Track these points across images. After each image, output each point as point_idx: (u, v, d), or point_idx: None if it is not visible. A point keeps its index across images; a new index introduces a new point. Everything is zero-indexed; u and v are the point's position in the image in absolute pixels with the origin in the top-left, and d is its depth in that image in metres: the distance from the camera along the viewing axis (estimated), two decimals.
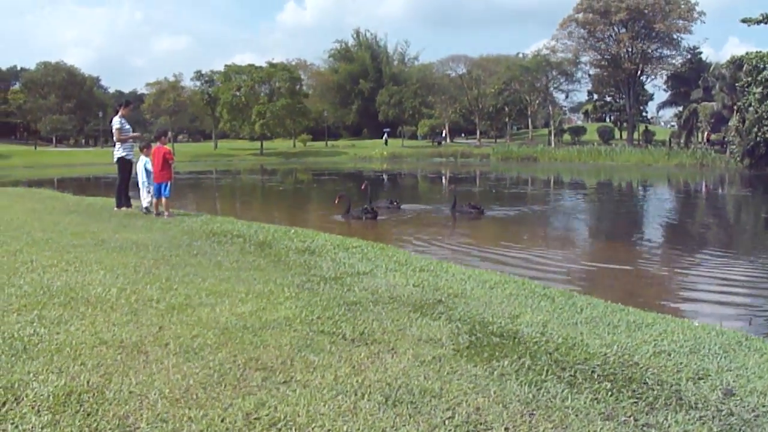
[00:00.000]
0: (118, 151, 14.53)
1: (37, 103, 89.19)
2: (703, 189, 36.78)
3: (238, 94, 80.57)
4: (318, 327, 5.14)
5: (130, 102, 15.85)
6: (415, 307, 5.97)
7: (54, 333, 4.66)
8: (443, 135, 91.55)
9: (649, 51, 78.87)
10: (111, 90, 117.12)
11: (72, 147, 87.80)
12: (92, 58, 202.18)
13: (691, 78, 76.22)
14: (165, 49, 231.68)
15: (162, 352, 4.37)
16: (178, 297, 5.92)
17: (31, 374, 3.85)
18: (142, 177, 14.21)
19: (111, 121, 14.87)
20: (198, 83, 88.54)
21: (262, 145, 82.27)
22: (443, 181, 44.82)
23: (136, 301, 5.72)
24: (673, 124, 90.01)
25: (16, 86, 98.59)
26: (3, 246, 8.29)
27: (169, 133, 12.68)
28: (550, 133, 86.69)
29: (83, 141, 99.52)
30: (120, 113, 14.58)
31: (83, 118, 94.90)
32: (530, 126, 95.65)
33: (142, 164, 14.15)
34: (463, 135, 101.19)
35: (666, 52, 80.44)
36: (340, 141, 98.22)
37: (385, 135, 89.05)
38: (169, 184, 13.49)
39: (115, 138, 14.53)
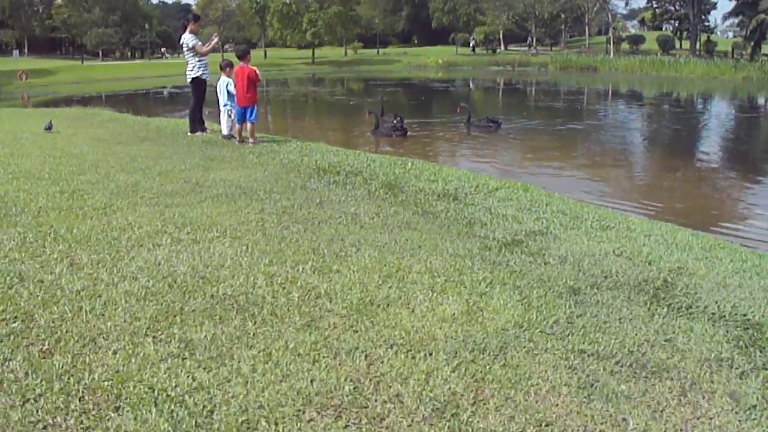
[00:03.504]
0: (193, 71, 12.83)
1: (81, 17, 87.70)
2: None
3: (288, 1, 77.91)
4: (572, 343, 3.64)
5: (198, 16, 13.99)
6: (644, 292, 4.61)
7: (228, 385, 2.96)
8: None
9: None
10: (154, 1, 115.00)
11: (118, 60, 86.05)
12: None
13: None
14: None
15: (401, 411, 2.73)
16: (350, 286, 4.32)
17: None
18: (223, 99, 12.47)
19: (181, 39, 13.06)
20: None
21: (313, 53, 79.76)
22: (528, 92, 42.65)
23: (302, 299, 4.07)
24: (736, 34, 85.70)
25: (60, 1, 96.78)
26: (86, 198, 6.62)
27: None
28: (608, 41, 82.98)
29: (129, 54, 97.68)
30: (189, 29, 12.80)
31: (129, 31, 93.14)
32: (587, 34, 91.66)
33: (224, 85, 12.39)
34: (522, 43, 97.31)
35: None
36: (390, 48, 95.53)
37: (473, 41, 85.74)
38: (255, 108, 11.76)
39: (190, 55, 12.75)
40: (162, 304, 3.83)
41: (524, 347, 3.53)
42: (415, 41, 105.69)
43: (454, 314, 3.91)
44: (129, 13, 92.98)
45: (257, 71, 11.80)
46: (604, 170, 14.93)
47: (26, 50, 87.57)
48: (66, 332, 3.46)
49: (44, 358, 3.19)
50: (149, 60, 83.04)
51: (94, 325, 3.54)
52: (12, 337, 3.38)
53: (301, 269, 4.57)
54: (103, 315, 3.66)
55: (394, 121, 18.14)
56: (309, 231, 5.68)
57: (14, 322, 3.56)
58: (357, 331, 3.60)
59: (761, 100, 37.82)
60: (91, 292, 3.98)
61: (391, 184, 8.12)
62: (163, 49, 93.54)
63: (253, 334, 3.50)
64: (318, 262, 4.77)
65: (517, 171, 13.45)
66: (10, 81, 50.80)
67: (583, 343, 3.64)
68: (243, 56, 11.99)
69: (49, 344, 3.32)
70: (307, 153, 10.57)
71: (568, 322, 3.92)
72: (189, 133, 12.99)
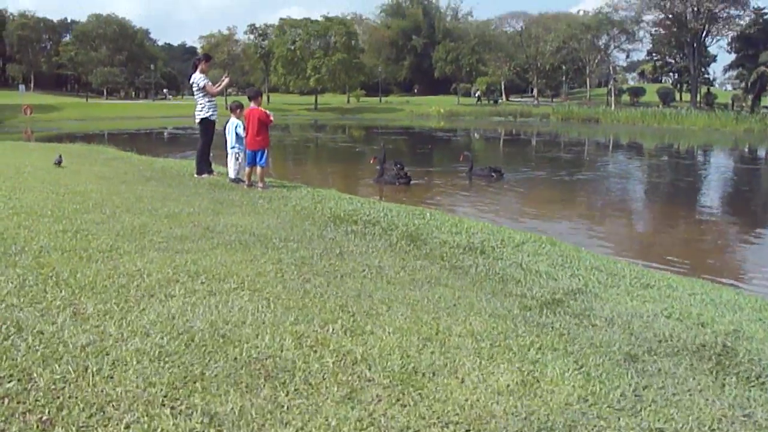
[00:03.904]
0: (202, 112, 12.50)
1: (88, 56, 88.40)
2: None
3: (292, 48, 78.27)
4: (646, 420, 3.24)
5: (210, 56, 13.67)
6: (706, 359, 4.30)
7: None
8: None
9: (716, 11, 74.69)
10: (160, 43, 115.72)
11: (122, 99, 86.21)
12: (139, 11, 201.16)
13: (759, 40, 72.72)
14: (211, 3, 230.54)
15: None
16: (388, 350, 3.87)
17: None
18: (231, 142, 12.06)
19: (191, 79, 12.74)
20: (251, 36, 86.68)
21: (316, 99, 79.89)
22: (530, 143, 42.53)
23: (337, 365, 3.61)
24: (735, 86, 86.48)
25: (68, 38, 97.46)
26: (91, 239, 6.15)
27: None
28: (609, 93, 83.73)
29: (133, 93, 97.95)
30: (200, 69, 12.49)
31: (134, 71, 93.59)
32: (588, 86, 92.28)
33: (233, 127, 11.99)
34: (522, 94, 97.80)
35: (733, 11, 76.31)
36: (392, 97, 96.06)
37: (477, 92, 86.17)
38: (265, 151, 11.37)
39: (200, 95, 12.44)
40: (179, 366, 3.35)
41: (595, 426, 3.12)
42: (417, 90, 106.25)
43: (508, 385, 3.47)
44: (135, 53, 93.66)
45: (269, 113, 11.40)
46: (615, 222, 14.57)
47: (32, 85, 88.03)
48: (69, 398, 2.99)
49: (44, 430, 2.70)
50: (153, 100, 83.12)
51: (101, 390, 3.06)
52: (7, 401, 2.91)
53: (331, 329, 4.11)
54: (111, 378, 3.19)
55: (395, 168, 17.84)
56: (333, 285, 5.22)
57: (10, 381, 3.08)
58: (405, 406, 3.15)
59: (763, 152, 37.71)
60: (98, 348, 3.50)
61: (413, 236, 7.69)
62: (165, 90, 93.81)
63: (287, 408, 3.03)
64: (348, 321, 4.31)
65: (526, 222, 13.03)
66: (14, 115, 50.71)
67: (658, 420, 3.23)
68: (254, 98, 11.64)
69: (49, 412, 2.85)
70: (320, 200, 10.15)
71: (635, 396, 3.52)
72: (195, 175, 12.60)
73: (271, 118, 11.39)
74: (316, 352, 3.72)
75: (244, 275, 5.24)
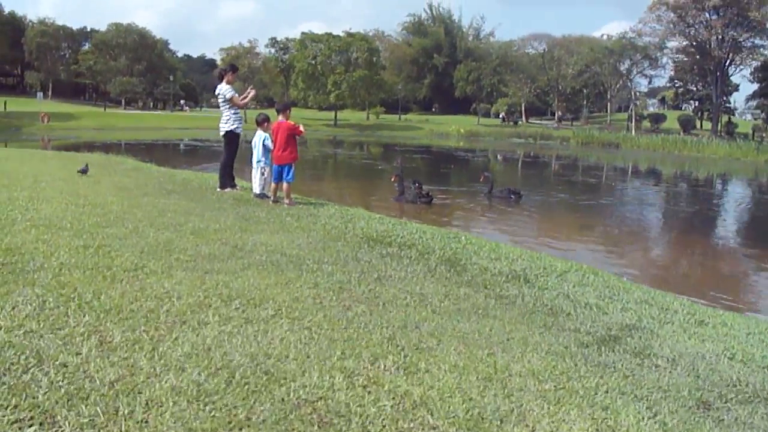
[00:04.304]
0: (227, 124, 12.16)
1: (107, 65, 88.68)
2: None
3: (313, 62, 78.15)
4: None
5: (236, 67, 13.32)
6: None
7: None
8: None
9: (741, 40, 74.23)
10: (179, 54, 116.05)
11: (141, 110, 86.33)
12: (159, 22, 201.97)
13: None
14: (231, 15, 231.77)
15: None
16: (448, 392, 3.47)
17: None
18: (257, 156, 11.70)
19: (216, 90, 12.41)
20: (272, 50, 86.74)
21: (336, 115, 79.65)
22: (550, 166, 42.10)
23: (396, 409, 3.21)
24: (756, 116, 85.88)
25: (87, 47, 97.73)
26: (114, 257, 5.77)
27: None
28: (629, 118, 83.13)
29: (152, 104, 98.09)
30: (226, 80, 12.15)
31: (153, 81, 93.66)
32: (609, 110, 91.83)
33: (260, 140, 11.63)
34: (541, 117, 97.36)
35: (758, 41, 75.79)
36: (411, 115, 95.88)
37: (503, 114, 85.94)
38: (292, 167, 11.00)
39: (226, 107, 12.13)
40: (221, 409, 2.95)
41: None
42: (436, 109, 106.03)
43: None
44: (154, 64, 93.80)
45: (299, 125, 11.04)
46: (637, 249, 14.15)
47: (50, 93, 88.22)
48: None
49: None
50: (171, 111, 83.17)
51: None
52: None
53: (382, 366, 3.71)
54: (146, 423, 2.79)
55: (413, 187, 17.66)
56: (376, 314, 4.83)
57: (30, 425, 2.69)
58: None
59: None
60: (129, 385, 3.10)
61: (451, 261, 7.29)
62: (182, 102, 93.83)
63: None
64: (398, 356, 3.92)
65: (553, 245, 12.66)
66: (32, 122, 50.74)
67: None
68: (283, 111, 11.30)
69: None
70: (350, 219, 9.76)
71: None
72: (218, 189, 12.26)
73: (302, 129, 11.02)
74: (370, 393, 3.33)
75: (281, 300, 4.85)
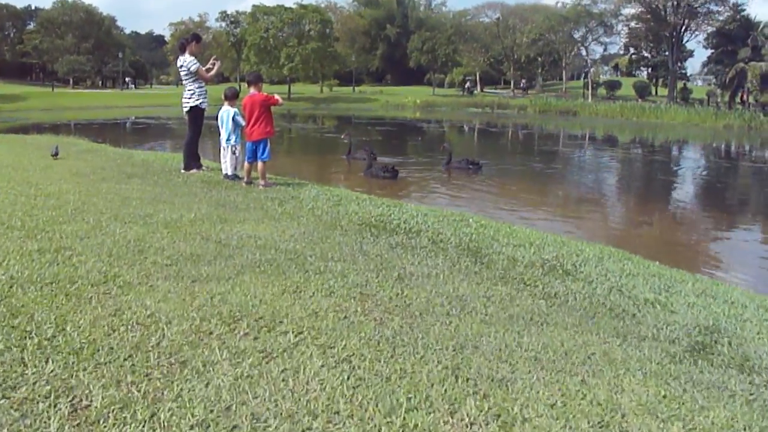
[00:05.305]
0: (191, 99, 11.02)
1: (53, 44, 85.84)
2: None
3: (266, 35, 76.26)
4: None
5: (199, 36, 12.08)
6: None
7: None
8: (467, 85, 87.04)
9: (696, 5, 74.07)
10: (127, 31, 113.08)
11: (90, 89, 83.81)
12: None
13: (737, 36, 72.45)
14: None
15: None
16: None
17: None
18: (225, 133, 10.56)
19: (179, 61, 11.20)
20: (223, 24, 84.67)
21: (289, 89, 77.93)
22: (509, 135, 41.29)
23: None
24: (709, 82, 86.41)
25: (32, 26, 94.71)
26: (77, 264, 4.67)
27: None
28: (585, 86, 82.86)
29: (101, 83, 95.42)
30: (189, 50, 10.95)
31: (101, 59, 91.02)
32: (564, 78, 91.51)
33: (227, 116, 10.49)
34: (495, 86, 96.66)
35: (713, 7, 75.65)
36: (364, 86, 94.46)
37: (468, 83, 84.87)
38: (267, 143, 9.88)
39: (190, 80, 10.97)
40: None
41: None
42: (389, 80, 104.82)
43: None
44: (102, 41, 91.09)
45: (275, 95, 9.92)
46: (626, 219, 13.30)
47: None
48: None
49: None
50: (121, 90, 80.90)
51: None
52: None
53: (466, 418, 2.68)
54: None
55: (366, 156, 17.72)
56: (416, 329, 3.83)
57: None
58: None
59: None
60: None
61: (472, 250, 6.29)
62: (128, 80, 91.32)
63: None
64: (478, 399, 2.93)
65: (526, 217, 11.71)
66: None
67: None
68: (255, 83, 10.16)
69: None
70: (338, 201, 8.70)
71: None
72: (183, 170, 11.14)
73: (278, 98, 9.91)
74: None
75: (297, 318, 3.80)
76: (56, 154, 12.27)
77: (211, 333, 3.46)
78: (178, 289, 4.21)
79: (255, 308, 3.91)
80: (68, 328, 3.37)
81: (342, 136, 21.78)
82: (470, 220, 7.87)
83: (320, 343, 3.45)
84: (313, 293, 4.35)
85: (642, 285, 5.63)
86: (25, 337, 3.21)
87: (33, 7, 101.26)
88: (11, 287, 4.00)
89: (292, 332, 3.56)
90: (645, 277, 5.95)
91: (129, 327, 3.47)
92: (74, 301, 3.83)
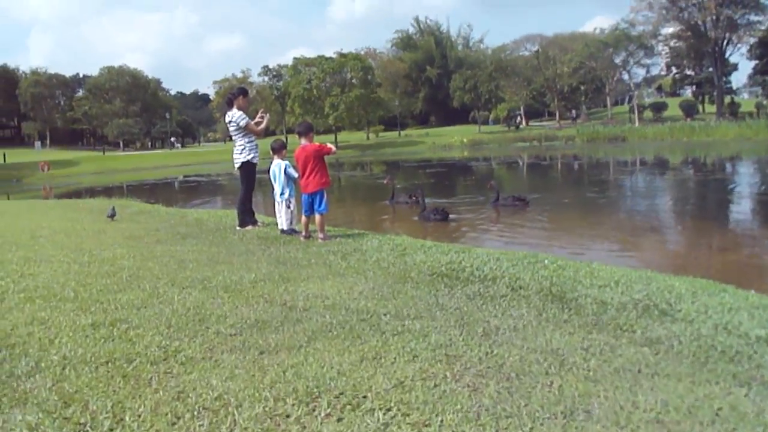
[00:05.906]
0: (242, 154, 10.82)
1: (102, 108, 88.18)
2: None
3: (309, 86, 76.95)
4: None
5: (246, 90, 11.87)
6: None
7: None
8: (518, 119, 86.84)
9: (736, 17, 73.06)
10: (172, 92, 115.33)
11: (139, 150, 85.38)
12: (150, 62, 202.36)
13: None
14: (218, 49, 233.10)
15: None
16: None
17: None
18: (279, 187, 10.24)
19: (227, 117, 10.99)
20: (265, 78, 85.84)
21: (335, 138, 78.32)
22: (558, 167, 40.58)
23: None
24: (755, 94, 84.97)
25: (81, 93, 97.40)
26: (134, 339, 4.33)
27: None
28: (631, 110, 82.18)
29: (149, 144, 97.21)
30: (237, 105, 10.74)
31: (149, 121, 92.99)
32: (609, 104, 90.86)
33: (279, 169, 10.19)
34: (540, 118, 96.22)
35: (754, 17, 74.64)
36: (409, 130, 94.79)
37: (518, 118, 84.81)
38: (324, 194, 9.49)
39: (239, 135, 10.78)
40: None
41: None
42: (433, 122, 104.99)
43: None
44: (149, 103, 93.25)
45: (328, 144, 9.61)
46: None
47: (48, 141, 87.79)
48: None
49: None
50: (170, 150, 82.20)
51: None
52: None
53: None
54: None
55: (410, 200, 18.17)
56: (515, 394, 3.37)
57: None
58: None
59: None
60: None
61: (556, 295, 5.78)
62: (172, 140, 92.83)
63: None
64: None
65: (588, 253, 10.96)
66: (32, 172, 49.89)
67: None
68: (305, 133, 9.80)
69: None
70: (402, 251, 8.23)
71: None
72: (238, 227, 10.86)
73: (331, 147, 9.58)
74: None
75: (382, 391, 3.36)
76: (113, 215, 12.25)
77: (288, 416, 3.03)
78: (245, 363, 3.81)
79: (333, 382, 3.48)
80: (127, 418, 2.98)
81: (384, 181, 21.74)
82: (546, 261, 7.34)
83: (413, 420, 3.01)
84: (395, 359, 3.91)
85: (748, 320, 5.06)
86: (79, 429, 2.81)
87: (81, 75, 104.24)
88: (64, 369, 3.65)
89: (380, 409, 3.12)
90: (748, 311, 5.37)
91: (195, 413, 3.06)
92: (132, 384, 3.44)
